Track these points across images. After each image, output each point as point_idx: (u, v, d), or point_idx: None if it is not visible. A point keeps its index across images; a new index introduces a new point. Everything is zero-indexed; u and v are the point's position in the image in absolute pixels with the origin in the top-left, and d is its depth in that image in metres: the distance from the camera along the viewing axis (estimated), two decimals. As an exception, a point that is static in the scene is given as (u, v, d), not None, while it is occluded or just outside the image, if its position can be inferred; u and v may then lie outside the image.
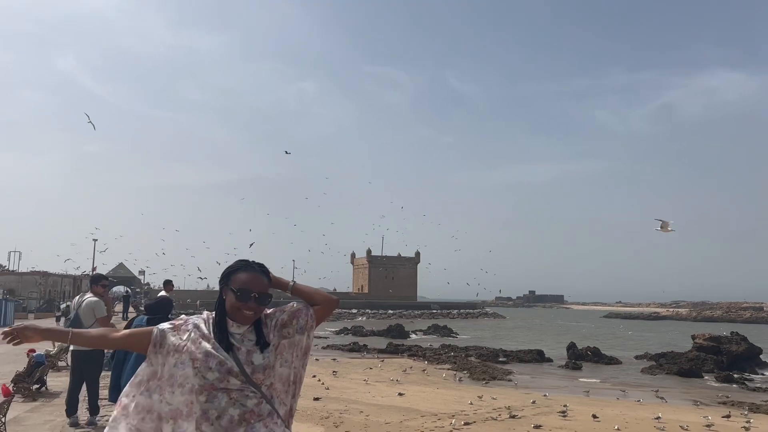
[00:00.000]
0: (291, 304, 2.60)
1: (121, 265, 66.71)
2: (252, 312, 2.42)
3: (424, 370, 27.63)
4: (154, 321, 6.41)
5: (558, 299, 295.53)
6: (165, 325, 2.45)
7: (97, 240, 60.28)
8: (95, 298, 7.88)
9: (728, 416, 17.15)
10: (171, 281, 12.88)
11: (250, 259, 2.57)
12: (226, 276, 2.49)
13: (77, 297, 8.09)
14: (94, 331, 2.52)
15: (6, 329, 2.37)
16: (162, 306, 6.58)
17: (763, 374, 31.10)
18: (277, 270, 2.71)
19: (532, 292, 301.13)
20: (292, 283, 2.68)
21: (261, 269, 2.53)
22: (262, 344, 2.42)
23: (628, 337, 60.83)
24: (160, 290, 12.15)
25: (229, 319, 2.46)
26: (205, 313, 2.51)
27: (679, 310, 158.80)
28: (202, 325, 2.44)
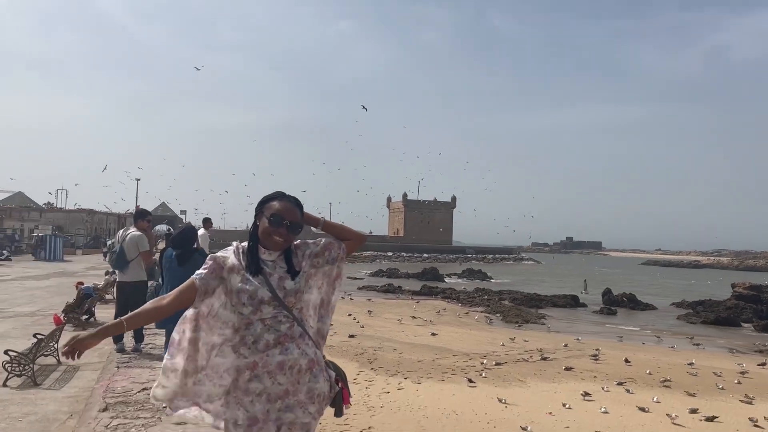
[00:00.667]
0: (321, 239, 2.68)
1: (163, 205, 68.21)
2: (282, 239, 2.50)
3: (457, 313, 28.00)
4: (182, 254, 6.57)
5: (596, 246, 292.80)
6: (203, 272, 2.54)
7: (139, 179, 61.89)
8: (139, 233, 8.16)
9: (764, 364, 17.02)
10: (209, 219, 13.22)
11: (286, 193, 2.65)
12: (262, 204, 2.58)
13: (121, 231, 8.39)
14: (144, 307, 2.56)
15: (64, 350, 2.40)
16: (186, 237, 6.71)
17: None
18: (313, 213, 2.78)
19: (569, 239, 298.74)
20: (322, 220, 2.74)
21: (295, 201, 2.61)
22: (293, 272, 2.51)
23: (665, 285, 60.21)
24: (200, 228, 12.49)
25: (260, 246, 2.55)
26: (234, 244, 2.60)
27: (721, 258, 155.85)
28: (232, 259, 2.53)
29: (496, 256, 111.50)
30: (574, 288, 44.17)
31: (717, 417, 10.65)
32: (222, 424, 2.48)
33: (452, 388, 12.04)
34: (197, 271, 2.54)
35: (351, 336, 18.08)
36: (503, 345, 18.22)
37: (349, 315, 23.31)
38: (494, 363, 15.01)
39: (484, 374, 13.55)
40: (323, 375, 2.54)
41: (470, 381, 12.55)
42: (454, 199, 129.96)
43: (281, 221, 2.50)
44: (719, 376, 14.79)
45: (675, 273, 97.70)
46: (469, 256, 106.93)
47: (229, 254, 2.55)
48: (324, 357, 2.62)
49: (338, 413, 2.63)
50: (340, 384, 2.62)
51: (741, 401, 12.28)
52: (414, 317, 24.64)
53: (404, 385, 12.01)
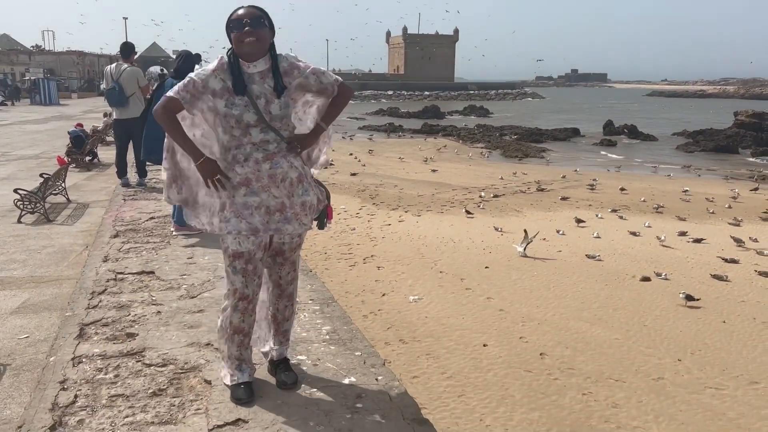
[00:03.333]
0: (309, 67, 2.67)
1: (154, 45, 65.41)
2: (251, 36, 2.49)
3: (456, 150, 28.20)
4: None
5: (601, 78, 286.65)
6: (178, 88, 2.56)
7: (127, 18, 59.22)
8: (135, 67, 7.99)
9: (756, 189, 17.45)
10: (199, 55, 12.80)
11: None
12: (226, 23, 2.57)
13: (112, 66, 8.15)
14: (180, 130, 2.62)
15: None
16: (189, 63, 6.11)
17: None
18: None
19: (574, 71, 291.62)
20: (321, 126, 2.78)
21: (253, 6, 2.57)
22: (280, 89, 2.53)
23: (667, 115, 59.81)
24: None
25: (242, 61, 2.54)
26: (217, 59, 2.58)
27: (727, 87, 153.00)
28: (212, 81, 2.53)
29: (499, 91, 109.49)
30: (576, 122, 43.95)
31: (704, 239, 11.15)
32: (223, 238, 2.63)
33: (451, 219, 12.51)
34: (182, 96, 2.55)
35: (353, 174, 18.40)
36: (502, 179, 18.59)
37: (350, 154, 23.52)
38: (492, 195, 15.42)
39: (481, 206, 13.99)
40: (312, 189, 2.68)
41: (468, 213, 12.99)
42: (456, 31, 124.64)
43: (242, 22, 2.51)
44: (711, 201, 15.25)
45: (679, 103, 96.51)
46: (472, 92, 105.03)
47: (209, 75, 2.54)
48: (311, 175, 2.77)
49: (321, 226, 2.83)
50: (325, 201, 2.80)
51: (729, 224, 12.77)
52: (413, 158, 24.85)
53: (405, 218, 12.46)
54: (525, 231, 10.04)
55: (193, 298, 3.89)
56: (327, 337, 3.27)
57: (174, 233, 5.43)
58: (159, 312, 3.62)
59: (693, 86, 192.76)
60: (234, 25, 2.52)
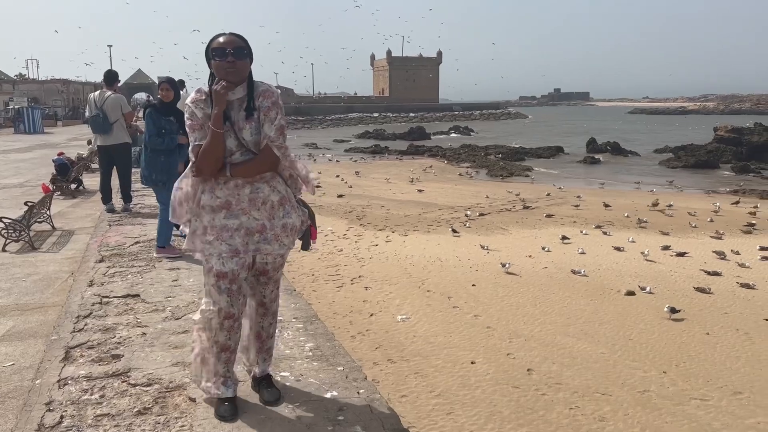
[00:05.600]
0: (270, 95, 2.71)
1: (139, 72, 65.47)
2: (233, 67, 2.55)
3: (443, 170, 28.39)
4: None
5: (583, 96, 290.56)
6: (198, 135, 2.62)
7: (111, 46, 59.38)
8: (120, 95, 8.04)
9: (737, 203, 17.72)
10: (183, 81, 12.90)
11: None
12: (206, 51, 2.62)
13: (95, 93, 8.18)
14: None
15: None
16: (175, 91, 5.91)
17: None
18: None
19: (557, 90, 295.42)
20: (226, 174, 2.63)
21: (237, 35, 2.64)
22: (250, 111, 2.60)
23: (649, 132, 60.62)
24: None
25: None
26: (195, 92, 2.66)
27: (707, 104, 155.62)
28: (200, 111, 2.59)
29: (483, 112, 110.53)
30: (560, 140, 44.45)
31: (687, 252, 11.30)
32: (207, 259, 2.68)
33: (437, 239, 12.59)
34: (195, 137, 2.60)
35: (339, 196, 18.49)
36: (487, 197, 18.74)
37: (337, 176, 23.63)
38: (478, 214, 15.55)
39: (467, 225, 14.09)
40: (295, 211, 2.74)
41: (454, 231, 13.08)
42: (439, 54, 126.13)
43: (225, 51, 2.56)
44: (693, 215, 15.45)
45: (661, 120, 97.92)
46: (457, 113, 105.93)
47: (193, 109, 2.61)
48: (295, 196, 2.81)
49: (305, 246, 2.87)
50: (309, 222, 2.85)
51: (711, 237, 12.96)
52: (400, 179, 25.01)
53: (392, 238, 12.53)
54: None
55: (178, 319, 3.91)
56: (310, 353, 3.30)
57: (156, 256, 5.47)
58: (144, 334, 3.64)
59: (674, 103, 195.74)
60: (217, 53, 2.58)
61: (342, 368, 3.10)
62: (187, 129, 2.64)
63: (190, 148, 2.64)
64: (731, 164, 29.48)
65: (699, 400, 5.78)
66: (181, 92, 11.76)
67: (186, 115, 2.64)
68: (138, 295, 4.41)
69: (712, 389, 6.00)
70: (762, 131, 33.73)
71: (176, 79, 6.53)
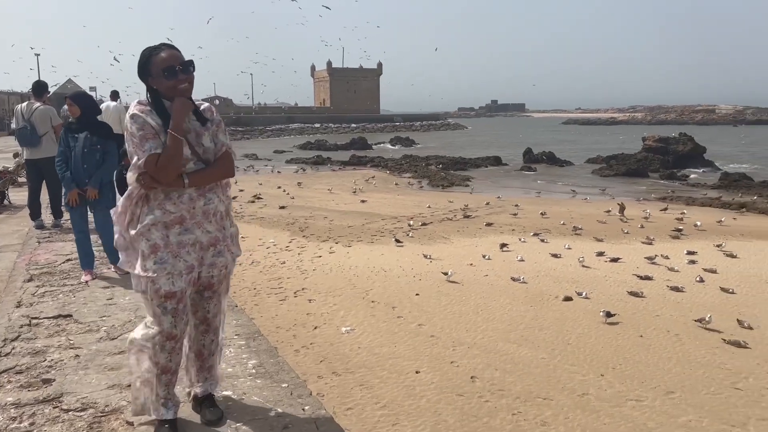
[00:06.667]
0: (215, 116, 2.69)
1: (69, 81, 62.95)
2: (186, 83, 2.50)
3: (385, 180, 28.55)
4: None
5: (519, 107, 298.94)
6: (152, 144, 2.51)
7: (39, 54, 56.91)
8: (49, 106, 7.74)
9: (665, 209, 18.56)
10: (118, 92, 12.54)
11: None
12: (144, 67, 2.52)
13: (23, 105, 7.86)
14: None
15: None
16: (93, 105, 5.63)
17: (704, 171, 33.06)
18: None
19: (494, 102, 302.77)
20: (184, 181, 2.56)
21: (169, 46, 2.59)
22: (203, 120, 2.57)
23: (582, 142, 62.88)
24: (106, 101, 11.88)
25: (167, 102, 2.54)
26: (137, 103, 2.57)
27: (636, 114, 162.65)
28: (150, 119, 2.51)
29: (424, 122, 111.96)
30: (498, 150, 45.50)
31: (620, 258, 11.73)
32: (154, 280, 2.56)
33: (381, 249, 12.61)
34: (149, 146, 2.48)
35: (282, 207, 18.28)
36: (429, 207, 18.94)
37: (279, 187, 23.39)
38: (420, 224, 15.69)
39: (410, 234, 14.19)
40: (233, 220, 2.73)
41: (398, 241, 13.14)
42: (380, 65, 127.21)
43: (174, 69, 2.49)
44: (625, 222, 16.08)
45: (593, 130, 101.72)
46: (398, 124, 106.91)
47: (145, 116, 2.52)
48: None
49: None
50: None
51: (643, 243, 13.50)
52: (342, 190, 25.00)
53: (335, 249, 12.47)
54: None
55: (113, 339, 3.77)
56: (253, 371, 3.25)
57: (120, 273, 5.28)
58: (77, 356, 3.49)
59: (605, 114, 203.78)
60: (168, 73, 2.49)
61: (286, 385, 3.06)
62: (136, 141, 2.49)
63: (139, 161, 2.48)
64: (659, 172, 30.92)
65: (635, 401, 5.98)
66: (115, 103, 11.47)
67: (136, 127, 2.49)
68: (70, 316, 4.23)
69: (647, 390, 6.22)
70: (686, 141, 35.56)
71: (112, 90, 6.35)
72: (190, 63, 2.55)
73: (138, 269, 2.59)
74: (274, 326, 7.84)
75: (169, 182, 2.49)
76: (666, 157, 33.67)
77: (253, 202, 19.23)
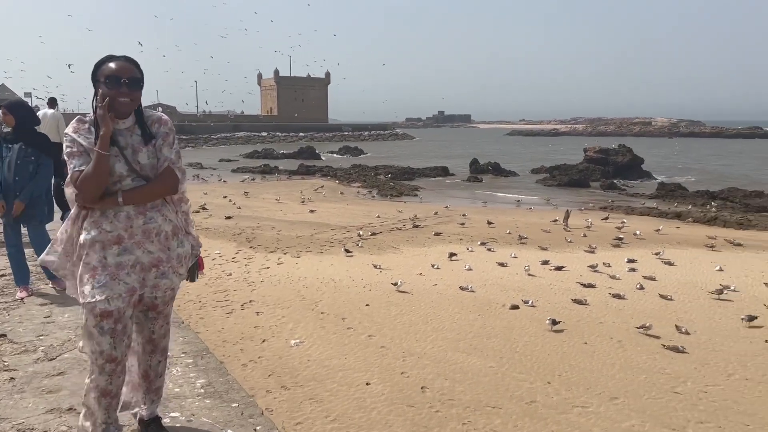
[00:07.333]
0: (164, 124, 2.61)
1: (2, 87, 60.32)
2: (127, 98, 2.42)
3: (334, 190, 28.48)
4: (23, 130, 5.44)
5: (466, 119, 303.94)
6: (77, 162, 2.42)
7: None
8: None
9: (606, 218, 19.18)
10: (55, 98, 12.09)
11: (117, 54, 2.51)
12: (94, 72, 2.44)
13: None
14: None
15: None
16: (32, 115, 5.39)
17: (641, 181, 34.38)
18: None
19: (441, 113, 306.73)
20: (118, 200, 2.47)
21: (130, 59, 2.49)
22: (147, 137, 2.48)
23: (526, 153, 64.40)
24: (44, 108, 11.43)
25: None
26: (77, 120, 2.48)
27: (577, 126, 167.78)
28: (84, 138, 2.42)
29: (372, 132, 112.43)
30: (445, 161, 46.06)
31: (564, 266, 12.02)
32: (99, 302, 2.46)
33: (330, 259, 12.54)
34: (75, 163, 2.41)
35: (228, 217, 17.98)
36: (378, 216, 18.99)
37: (225, 197, 23.01)
38: (370, 233, 15.70)
39: (360, 244, 14.17)
40: (186, 239, 2.63)
41: (347, 251, 13.10)
42: (328, 74, 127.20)
43: (119, 80, 2.41)
44: (568, 231, 16.51)
45: (536, 141, 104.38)
46: (346, 133, 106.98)
47: (80, 134, 2.43)
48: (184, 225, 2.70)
49: (192, 278, 2.75)
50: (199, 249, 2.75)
51: (585, 251, 13.88)
52: (290, 200, 24.79)
53: (284, 260, 12.32)
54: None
55: (52, 360, 3.60)
56: (202, 390, 3.16)
57: (57, 288, 5.05)
58: (12, 378, 3.31)
59: (548, 125, 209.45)
60: (108, 80, 2.41)
61: (236, 404, 2.99)
62: (65, 157, 2.45)
63: (68, 178, 2.45)
64: (600, 182, 31.96)
65: (580, 407, 6.11)
66: (52, 111, 11.04)
67: (66, 143, 2.45)
68: (4, 335, 4.02)
69: (592, 396, 6.37)
70: (625, 152, 36.91)
71: (49, 97, 6.11)
72: (139, 81, 2.46)
73: (78, 295, 2.51)
74: (221, 340, 7.66)
75: (94, 200, 2.40)
76: (606, 168, 34.84)
77: (198, 212, 18.83)
